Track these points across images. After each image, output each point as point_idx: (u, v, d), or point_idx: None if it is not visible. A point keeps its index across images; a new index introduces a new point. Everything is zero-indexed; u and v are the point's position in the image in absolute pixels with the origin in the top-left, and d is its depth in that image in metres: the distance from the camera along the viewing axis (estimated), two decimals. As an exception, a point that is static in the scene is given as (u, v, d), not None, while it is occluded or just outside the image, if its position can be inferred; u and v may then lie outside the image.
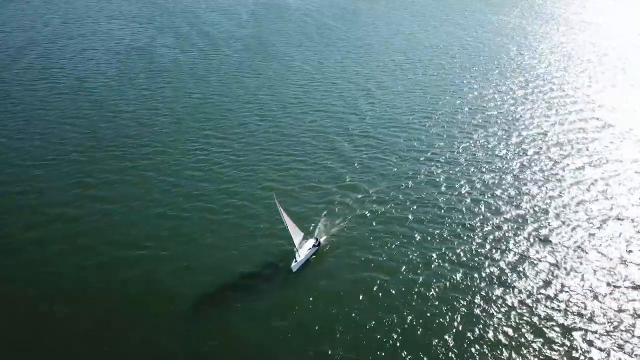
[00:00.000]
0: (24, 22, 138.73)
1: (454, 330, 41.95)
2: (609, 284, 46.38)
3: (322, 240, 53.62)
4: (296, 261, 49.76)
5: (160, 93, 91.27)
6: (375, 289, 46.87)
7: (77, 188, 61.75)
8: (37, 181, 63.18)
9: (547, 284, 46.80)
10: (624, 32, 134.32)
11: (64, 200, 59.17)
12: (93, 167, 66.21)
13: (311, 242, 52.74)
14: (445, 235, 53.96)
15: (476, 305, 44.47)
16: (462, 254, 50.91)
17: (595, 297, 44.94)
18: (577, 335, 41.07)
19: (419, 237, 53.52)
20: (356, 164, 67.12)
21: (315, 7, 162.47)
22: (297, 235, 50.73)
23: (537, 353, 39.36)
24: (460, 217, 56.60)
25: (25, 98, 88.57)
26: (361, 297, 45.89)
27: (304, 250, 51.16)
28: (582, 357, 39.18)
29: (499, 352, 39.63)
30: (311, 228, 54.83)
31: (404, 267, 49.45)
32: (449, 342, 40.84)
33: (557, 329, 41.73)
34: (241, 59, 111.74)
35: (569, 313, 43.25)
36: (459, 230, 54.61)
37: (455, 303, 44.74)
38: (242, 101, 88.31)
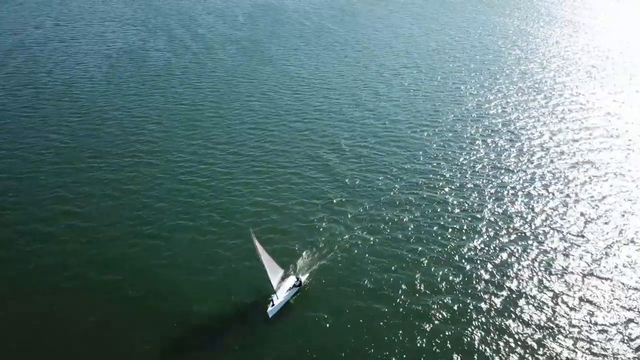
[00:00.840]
0: (14, 24, 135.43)
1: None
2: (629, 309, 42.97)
3: (303, 278, 46.09)
4: (272, 304, 42.57)
5: (149, 99, 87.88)
6: (365, 340, 40.19)
7: (53, 203, 58.26)
8: (11, 195, 59.84)
9: (557, 314, 43.24)
10: (628, 35, 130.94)
11: (39, 216, 55.76)
12: (72, 180, 62.71)
13: (291, 280, 45.54)
14: (447, 273, 48.39)
15: (479, 338, 41.02)
16: (464, 285, 46.98)
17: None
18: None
19: (417, 275, 47.64)
20: (348, 181, 62.68)
21: (313, 8, 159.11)
22: (274, 273, 43.47)
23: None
24: (462, 241, 52.24)
25: (8, 104, 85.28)
26: (348, 351, 39.39)
27: (282, 292, 44.10)
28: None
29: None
30: (292, 263, 48.00)
31: (400, 311, 43.16)
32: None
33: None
34: (235, 63, 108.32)
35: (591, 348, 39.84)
36: (460, 259, 50.65)
37: (461, 340, 41.25)
38: (234, 108, 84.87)
